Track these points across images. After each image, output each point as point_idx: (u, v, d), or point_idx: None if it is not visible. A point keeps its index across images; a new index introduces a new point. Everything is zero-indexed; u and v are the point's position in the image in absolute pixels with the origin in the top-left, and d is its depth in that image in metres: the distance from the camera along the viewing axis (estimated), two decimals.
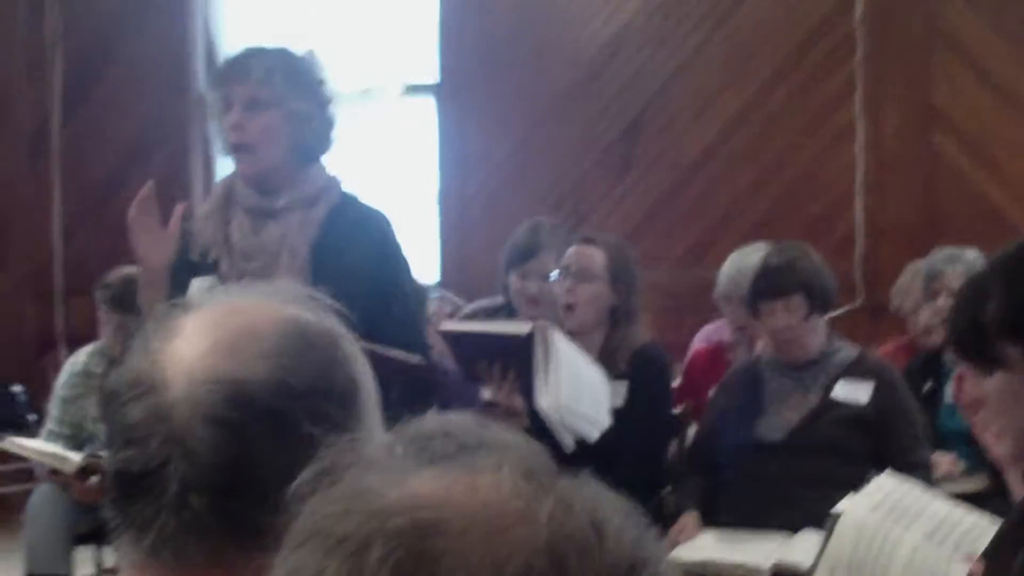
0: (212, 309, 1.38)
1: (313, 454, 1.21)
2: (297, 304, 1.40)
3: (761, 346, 5.00)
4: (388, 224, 3.84)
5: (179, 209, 3.75)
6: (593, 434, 4.24)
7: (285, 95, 3.73)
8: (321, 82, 3.85)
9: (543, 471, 0.91)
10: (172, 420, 1.29)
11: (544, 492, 0.89)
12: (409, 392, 3.47)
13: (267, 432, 1.29)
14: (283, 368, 1.32)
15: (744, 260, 5.34)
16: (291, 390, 1.31)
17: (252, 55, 3.77)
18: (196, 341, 1.33)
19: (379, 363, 1.45)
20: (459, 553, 0.84)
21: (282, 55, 3.81)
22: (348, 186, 3.88)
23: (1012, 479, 2.57)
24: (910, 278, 5.78)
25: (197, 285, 3.67)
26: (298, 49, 3.86)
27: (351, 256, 3.58)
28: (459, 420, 0.96)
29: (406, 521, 0.86)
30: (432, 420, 0.97)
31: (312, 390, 1.32)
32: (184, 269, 3.76)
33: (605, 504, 0.90)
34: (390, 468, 0.91)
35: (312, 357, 1.34)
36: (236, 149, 3.75)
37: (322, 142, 3.84)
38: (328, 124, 3.84)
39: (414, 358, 3.74)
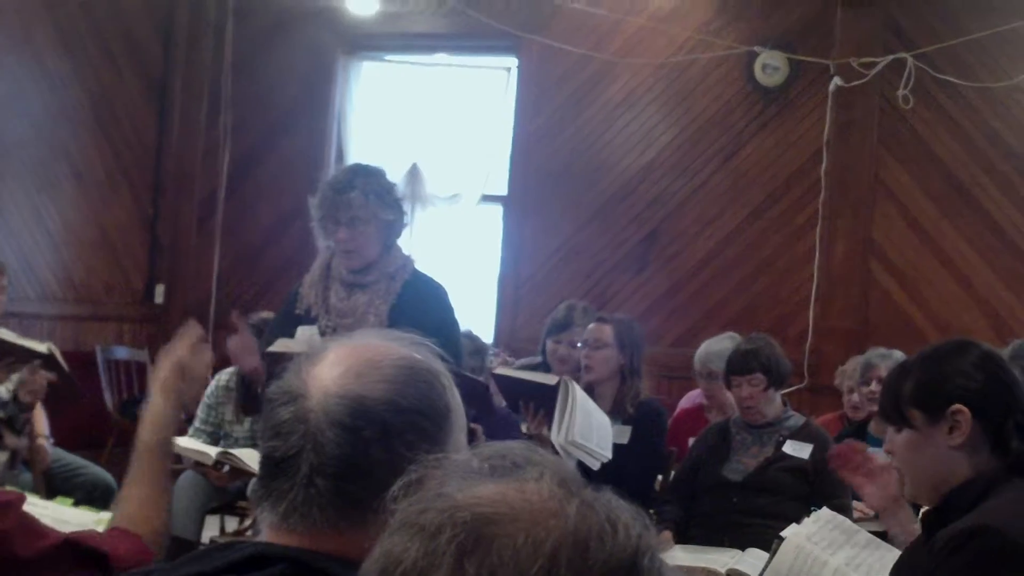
0: (348, 345, 1.39)
1: (410, 456, 1.25)
2: (412, 348, 1.40)
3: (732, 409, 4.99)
4: (445, 293, 3.96)
5: (241, 320, 3.92)
6: (595, 465, 4.22)
7: (377, 210, 3.84)
8: (398, 194, 3.98)
9: (573, 481, 0.92)
10: (309, 422, 1.32)
11: (572, 496, 0.90)
12: (472, 400, 3.79)
13: (377, 436, 1.31)
14: (394, 391, 1.33)
15: (712, 346, 5.31)
16: (398, 407, 1.32)
17: (351, 183, 3.84)
18: (333, 367, 1.35)
19: (460, 379, 1.49)
20: (509, 536, 0.85)
21: (374, 177, 3.89)
22: (418, 264, 4.00)
23: (888, 520, 2.70)
24: (852, 366, 5.71)
25: (301, 331, 3.82)
26: (395, 165, 3.99)
27: (419, 316, 3.60)
28: (514, 445, 0.97)
29: (469, 514, 0.87)
30: (495, 445, 0.97)
31: (414, 409, 1.33)
32: (291, 321, 3.89)
33: (618, 507, 0.91)
34: (461, 478, 0.92)
35: (417, 385, 1.35)
36: (346, 252, 3.87)
37: (399, 234, 3.97)
38: (404, 222, 3.97)
39: (480, 378, 4.08)
